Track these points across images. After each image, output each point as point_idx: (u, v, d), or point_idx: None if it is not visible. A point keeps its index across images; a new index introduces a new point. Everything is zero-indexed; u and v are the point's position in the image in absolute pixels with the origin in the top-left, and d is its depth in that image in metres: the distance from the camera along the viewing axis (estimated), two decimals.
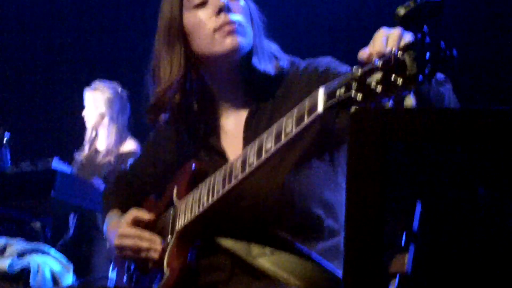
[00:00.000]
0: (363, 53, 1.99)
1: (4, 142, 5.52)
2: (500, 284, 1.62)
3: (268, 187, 2.50)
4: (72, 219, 5.72)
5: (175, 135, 2.88)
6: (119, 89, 6.42)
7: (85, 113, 6.40)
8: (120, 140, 6.36)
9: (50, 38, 7.95)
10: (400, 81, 1.84)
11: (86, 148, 6.45)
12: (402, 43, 1.93)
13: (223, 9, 2.59)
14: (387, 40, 1.97)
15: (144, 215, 2.78)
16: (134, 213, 2.80)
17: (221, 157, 2.67)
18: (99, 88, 6.39)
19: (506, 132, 1.40)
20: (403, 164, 1.53)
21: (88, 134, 6.45)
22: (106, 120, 6.33)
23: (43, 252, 4.62)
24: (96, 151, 6.39)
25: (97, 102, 6.34)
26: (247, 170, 2.35)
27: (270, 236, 2.49)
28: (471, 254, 1.64)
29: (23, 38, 7.96)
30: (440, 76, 2.10)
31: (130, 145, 6.34)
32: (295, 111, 2.22)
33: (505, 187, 1.56)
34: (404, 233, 2.26)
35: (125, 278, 2.87)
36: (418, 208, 2.19)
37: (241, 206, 2.55)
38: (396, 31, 1.99)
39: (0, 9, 7.93)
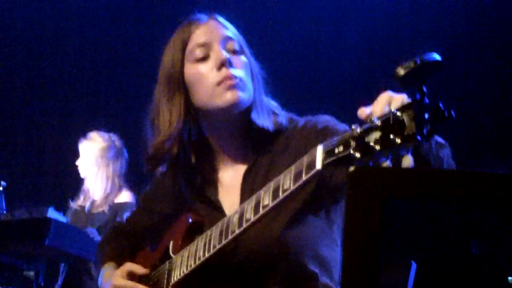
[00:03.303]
0: (363, 112, 2.00)
1: (0, 190, 5.53)
2: None
3: (264, 240, 2.50)
4: (62, 268, 5.70)
5: (172, 186, 2.87)
6: (114, 138, 6.43)
7: (79, 162, 6.42)
8: (113, 189, 6.35)
9: (48, 88, 7.96)
10: (398, 140, 1.84)
11: (81, 197, 6.45)
12: (401, 103, 1.94)
13: (225, 64, 2.61)
14: (388, 102, 1.98)
15: (139, 269, 2.77)
16: (129, 266, 2.79)
17: (218, 210, 2.68)
18: (93, 138, 6.41)
19: (500, 194, 1.41)
20: (399, 223, 1.54)
21: (85, 183, 6.46)
22: (97, 169, 6.33)
23: None
24: (90, 200, 6.39)
25: (90, 152, 6.35)
26: (244, 225, 2.34)
27: None
28: None
29: (21, 88, 7.97)
30: (440, 140, 2.12)
31: (125, 197, 6.34)
32: (293, 168, 2.22)
33: (498, 248, 1.57)
34: None
35: None
36: (413, 268, 2.20)
37: (237, 259, 2.54)
38: (399, 96, 2.00)
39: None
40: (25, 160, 7.71)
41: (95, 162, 6.33)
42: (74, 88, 7.95)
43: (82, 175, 6.42)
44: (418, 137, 1.81)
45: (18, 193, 6.37)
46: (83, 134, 6.47)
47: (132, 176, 6.39)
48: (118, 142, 6.43)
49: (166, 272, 2.69)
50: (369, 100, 2.05)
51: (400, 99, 1.98)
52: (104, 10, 7.85)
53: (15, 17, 7.87)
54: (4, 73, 7.95)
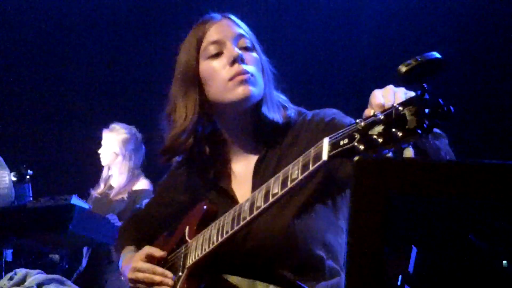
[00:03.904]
0: (369, 112, 2.00)
1: (27, 178, 5.54)
2: None
3: (273, 229, 2.50)
4: (85, 252, 5.72)
5: (187, 177, 2.89)
6: (134, 131, 6.45)
7: (100, 151, 6.43)
8: (132, 178, 6.38)
9: (72, 83, 7.99)
10: (400, 134, 1.85)
11: (102, 185, 6.47)
12: (403, 99, 1.94)
13: (237, 60, 2.61)
14: (393, 96, 1.99)
15: (157, 251, 2.78)
16: (148, 249, 2.80)
17: (231, 199, 2.68)
18: (115, 129, 6.43)
19: (498, 184, 1.41)
20: (401, 212, 1.54)
21: (104, 172, 6.48)
22: (119, 158, 6.36)
23: (60, 283, 4.60)
24: (110, 188, 6.41)
25: (112, 142, 6.37)
26: (255, 212, 2.35)
27: (274, 275, 2.49)
28: None
29: (47, 85, 7.99)
30: (437, 130, 2.12)
31: (142, 184, 6.35)
32: (301, 159, 2.23)
33: (494, 235, 1.58)
34: (400, 275, 2.27)
35: None
36: (414, 253, 2.20)
37: (248, 246, 2.55)
38: (399, 90, 2.01)
39: (27, 57, 7.97)
40: (50, 151, 7.73)
41: (117, 152, 6.35)
42: (96, 84, 7.97)
43: (103, 163, 6.43)
44: (419, 131, 1.82)
45: (43, 182, 6.39)
46: (104, 127, 6.49)
47: (149, 166, 6.41)
48: (138, 134, 6.46)
49: (182, 255, 2.70)
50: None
51: (399, 91, 2.00)
52: (124, 11, 7.85)
53: (43, 15, 7.88)
54: (32, 70, 7.97)
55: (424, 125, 1.81)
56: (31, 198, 5.47)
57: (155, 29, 7.57)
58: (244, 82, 2.60)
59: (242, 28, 2.74)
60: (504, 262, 1.58)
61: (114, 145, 6.36)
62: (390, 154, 1.93)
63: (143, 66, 7.51)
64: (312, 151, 2.17)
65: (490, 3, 6.31)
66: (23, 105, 8.03)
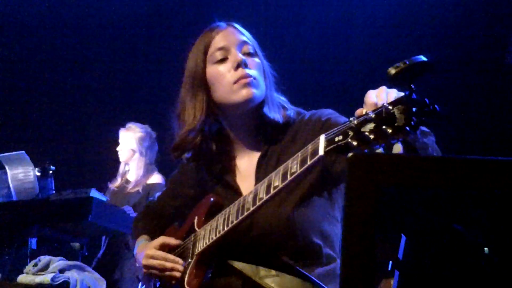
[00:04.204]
0: (360, 112, 2.01)
1: (50, 173, 5.54)
2: None
3: (275, 219, 2.50)
4: (104, 240, 5.72)
5: (195, 171, 2.89)
6: (149, 129, 6.46)
7: (119, 148, 6.44)
8: (147, 172, 6.39)
9: (91, 86, 8.00)
10: (390, 131, 1.85)
11: (119, 179, 6.48)
12: (393, 98, 1.95)
13: (241, 65, 2.62)
14: (386, 96, 1.99)
15: (169, 240, 2.78)
16: (161, 238, 2.81)
17: (235, 192, 2.69)
18: (131, 128, 6.44)
19: (481, 177, 1.41)
20: (391, 203, 1.53)
21: (121, 167, 6.48)
22: (136, 155, 6.37)
23: (81, 269, 4.61)
24: (127, 182, 6.42)
25: (129, 140, 6.39)
26: (258, 204, 2.36)
27: (275, 261, 2.49)
28: (448, 279, 1.65)
29: (67, 88, 8.01)
30: (425, 129, 2.12)
31: (156, 178, 6.36)
32: (299, 154, 2.24)
33: (476, 224, 1.57)
34: (391, 261, 2.27)
35: None
36: (403, 241, 2.20)
37: (251, 235, 2.55)
38: (392, 91, 2.01)
39: (52, 63, 7.98)
40: (71, 149, 7.74)
41: (135, 149, 6.36)
42: (113, 88, 7.98)
43: (121, 160, 6.44)
44: (407, 128, 1.82)
45: (65, 176, 6.39)
46: (120, 126, 6.50)
47: (161, 162, 6.42)
48: (152, 133, 6.46)
49: (192, 243, 2.70)
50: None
51: (391, 92, 2.00)
52: (140, 23, 7.87)
53: (66, 17, 7.90)
54: (56, 77, 7.99)
55: (412, 122, 1.82)
56: (54, 191, 5.47)
57: (167, 38, 7.58)
58: (247, 85, 2.60)
59: (246, 35, 2.74)
60: (486, 249, 1.57)
61: (131, 143, 6.38)
62: (381, 150, 1.93)
63: (156, 71, 7.52)
64: (310, 147, 2.18)
65: (474, 9, 6.30)
66: (46, 108, 8.04)
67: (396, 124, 1.85)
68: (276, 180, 2.31)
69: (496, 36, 6.17)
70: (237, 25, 2.77)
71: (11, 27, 7.95)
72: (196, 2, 7.44)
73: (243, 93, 2.61)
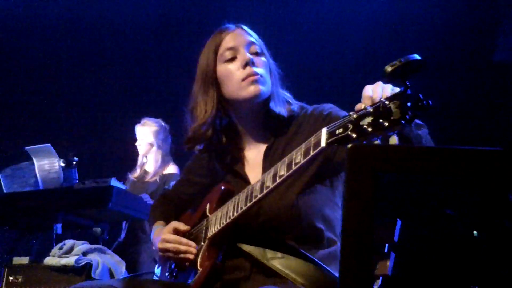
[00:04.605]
0: (359, 106, 2.01)
1: (73, 164, 5.56)
2: (462, 282, 1.63)
3: (280, 205, 2.51)
4: (124, 226, 5.73)
5: (207, 162, 2.89)
6: (162, 123, 6.46)
7: (137, 143, 6.45)
8: (164, 163, 6.39)
9: (111, 85, 8.02)
10: (386, 124, 1.86)
11: (138, 170, 6.48)
12: (389, 94, 1.95)
13: (249, 63, 2.62)
14: (381, 91, 2.00)
15: (182, 225, 2.79)
16: (174, 224, 2.81)
17: (244, 180, 2.69)
18: (147, 123, 6.43)
19: (470, 166, 1.41)
20: (387, 190, 1.54)
21: (140, 159, 6.49)
22: (154, 148, 6.37)
23: (102, 252, 4.63)
24: (145, 172, 6.42)
25: (146, 134, 6.39)
26: (265, 191, 2.37)
27: (281, 244, 2.49)
28: (440, 260, 1.65)
29: (91, 87, 8.03)
30: (419, 122, 2.13)
31: (171, 169, 6.37)
32: (303, 146, 2.24)
33: (466, 209, 1.57)
34: (387, 244, 2.27)
35: (167, 273, 2.87)
36: (398, 225, 2.20)
37: (259, 220, 2.55)
38: (387, 86, 2.02)
39: (76, 61, 8.01)
40: (93, 142, 7.76)
41: (152, 142, 6.37)
42: (131, 86, 7.99)
43: (140, 153, 6.45)
44: (402, 122, 1.83)
45: (87, 167, 6.40)
46: (138, 120, 6.50)
47: (175, 154, 6.43)
48: (165, 125, 6.46)
49: (204, 228, 2.70)
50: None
51: (387, 87, 2.00)
52: (152, 25, 7.88)
53: (89, 20, 7.92)
54: (80, 76, 8.02)
55: (407, 116, 1.82)
56: (77, 181, 5.48)
57: (180, 40, 7.59)
58: (254, 82, 2.61)
59: (253, 36, 2.74)
60: (475, 232, 1.57)
61: (148, 137, 6.38)
62: (378, 141, 1.93)
63: (170, 70, 7.52)
64: (313, 139, 2.19)
65: (464, 9, 6.28)
66: (71, 106, 8.06)
67: (392, 117, 1.85)
68: (282, 170, 2.32)
69: (484, 34, 6.16)
70: (245, 27, 2.77)
71: (39, 29, 7.98)
72: (207, 5, 7.43)
73: (251, 90, 2.61)
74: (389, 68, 1.82)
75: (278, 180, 2.33)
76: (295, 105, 2.74)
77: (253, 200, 2.42)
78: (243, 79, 2.62)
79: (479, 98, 5.89)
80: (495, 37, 5.97)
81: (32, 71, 8.06)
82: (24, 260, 4.76)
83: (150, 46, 7.91)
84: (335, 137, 2.05)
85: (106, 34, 7.97)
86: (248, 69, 2.62)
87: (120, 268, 4.61)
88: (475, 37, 6.23)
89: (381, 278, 2.19)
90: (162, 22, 7.87)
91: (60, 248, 4.55)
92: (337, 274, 2.08)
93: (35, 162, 5.55)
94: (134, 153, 6.51)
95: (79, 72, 8.05)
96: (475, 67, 6.08)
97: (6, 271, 4.70)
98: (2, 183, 5.69)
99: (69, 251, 4.52)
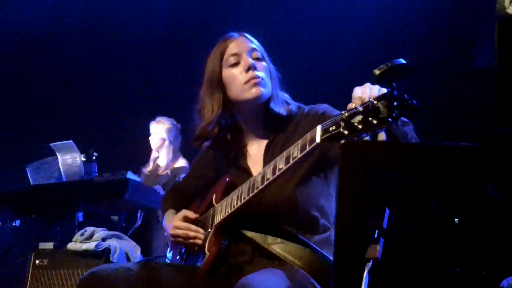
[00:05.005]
0: (351, 106, 2.02)
1: (93, 159, 5.56)
2: (445, 265, 1.62)
3: (279, 196, 2.51)
4: (139, 214, 5.73)
5: (213, 157, 2.89)
6: (175, 122, 6.46)
7: (151, 138, 6.44)
8: (174, 158, 6.38)
9: (128, 86, 8.03)
10: (375, 122, 1.86)
11: (151, 163, 6.48)
12: (376, 94, 1.96)
13: (251, 68, 2.62)
14: (369, 91, 2.01)
15: (191, 214, 2.79)
16: (184, 212, 2.81)
17: (247, 173, 2.68)
18: (161, 121, 6.43)
19: (453, 160, 1.40)
20: (377, 182, 1.53)
21: (153, 154, 6.48)
22: (166, 143, 6.36)
23: (119, 238, 4.63)
24: (158, 166, 6.42)
25: (160, 130, 6.38)
26: (265, 183, 2.37)
27: (280, 230, 2.49)
28: (424, 245, 1.64)
29: (109, 87, 8.04)
30: (405, 119, 2.13)
31: (181, 162, 6.36)
32: (300, 142, 2.24)
33: (449, 200, 1.57)
34: (377, 230, 2.26)
35: (178, 257, 2.87)
36: (387, 213, 2.19)
37: (260, 208, 2.55)
38: (374, 87, 2.02)
39: (95, 64, 8.02)
40: (111, 138, 7.76)
41: (165, 138, 6.36)
42: (146, 88, 7.99)
43: (153, 148, 6.44)
44: (389, 120, 1.83)
45: (106, 161, 6.39)
46: (151, 118, 6.50)
47: (185, 150, 6.43)
48: (177, 125, 6.46)
49: (211, 216, 2.70)
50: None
51: (375, 88, 2.01)
52: (165, 35, 7.89)
53: (100, 16, 7.93)
54: (99, 80, 8.03)
55: (394, 114, 1.83)
56: (97, 174, 5.48)
57: (189, 48, 7.59)
58: (256, 84, 2.61)
59: (255, 43, 2.74)
60: (456, 219, 1.57)
61: (161, 133, 6.37)
62: (367, 138, 1.93)
63: (181, 74, 7.51)
64: (308, 135, 2.19)
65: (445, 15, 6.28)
66: (92, 105, 8.07)
67: (380, 116, 1.86)
68: (281, 163, 2.32)
69: (464, 41, 6.15)
70: (247, 35, 2.77)
71: (62, 32, 8.00)
72: (213, 15, 7.43)
73: (253, 92, 2.61)
74: (377, 71, 1.82)
75: (277, 173, 2.33)
76: (293, 105, 2.74)
77: (255, 191, 2.42)
78: (246, 82, 2.62)
79: (461, 100, 5.88)
80: (474, 44, 5.96)
81: (59, 77, 8.07)
82: (49, 245, 4.77)
83: (163, 51, 7.92)
84: (328, 134, 2.06)
85: (126, 41, 7.97)
86: (250, 73, 2.62)
87: (136, 252, 4.61)
88: (455, 44, 6.23)
89: (371, 261, 2.18)
90: (172, 32, 7.87)
91: (82, 235, 4.55)
92: (331, 258, 2.07)
93: (58, 157, 5.55)
94: (148, 149, 6.51)
95: (99, 77, 8.06)
96: (457, 71, 6.06)
97: (33, 255, 4.71)
98: (29, 176, 5.70)
99: (90, 237, 4.52)
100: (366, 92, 2.01)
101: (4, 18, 7.81)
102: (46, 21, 7.93)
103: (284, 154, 2.32)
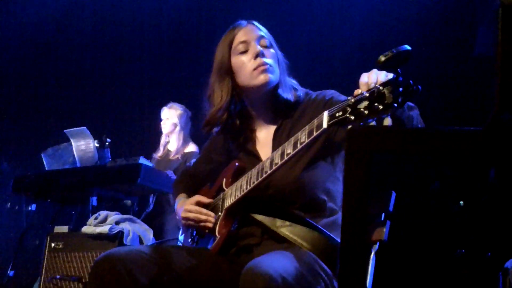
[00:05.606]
0: (357, 91, 2.01)
1: (106, 145, 5.57)
2: (449, 246, 1.62)
3: (287, 179, 2.50)
4: (152, 199, 5.74)
5: (223, 142, 2.89)
6: (186, 108, 6.45)
7: (162, 122, 6.44)
8: (185, 143, 6.38)
9: (141, 75, 8.04)
10: (380, 107, 1.86)
11: (161, 149, 6.48)
12: (383, 79, 1.95)
13: (259, 55, 2.61)
14: (376, 77, 2.00)
15: (203, 198, 2.79)
16: (196, 197, 2.82)
17: (256, 158, 2.68)
18: (173, 107, 6.42)
19: (457, 145, 1.39)
20: (383, 166, 1.53)
21: (163, 138, 6.49)
22: (177, 128, 6.36)
23: (132, 221, 4.64)
24: (168, 151, 6.42)
25: (172, 116, 6.38)
26: (274, 167, 2.38)
27: (288, 213, 2.49)
28: (429, 227, 1.65)
29: (123, 77, 8.05)
30: (411, 104, 2.12)
31: (192, 147, 6.36)
32: (307, 127, 2.24)
33: (453, 183, 1.56)
34: (383, 213, 2.26)
35: (189, 240, 2.88)
36: (393, 196, 2.19)
37: (269, 192, 2.55)
38: (381, 73, 2.01)
39: (107, 56, 8.03)
40: (124, 124, 7.77)
41: (176, 123, 6.36)
42: (156, 74, 7.98)
43: (164, 132, 6.43)
44: (395, 105, 1.83)
45: (119, 147, 6.41)
46: (161, 105, 6.50)
47: (195, 135, 6.43)
48: (188, 111, 6.45)
49: (221, 200, 2.71)
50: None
51: (381, 74, 2.00)
52: (173, 24, 7.88)
53: (110, 14, 7.94)
54: (112, 68, 8.04)
55: (399, 100, 1.83)
56: (110, 159, 5.49)
57: (200, 35, 7.59)
58: (264, 71, 2.60)
59: (263, 31, 2.73)
60: (461, 202, 1.57)
61: (173, 118, 6.37)
62: (373, 123, 1.93)
63: (191, 62, 7.50)
64: (316, 121, 2.19)
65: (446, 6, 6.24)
66: (105, 93, 8.08)
67: (385, 101, 1.86)
68: (289, 148, 2.33)
69: (465, 30, 6.11)
70: (256, 23, 2.76)
71: (75, 24, 8.02)
72: (222, 7, 7.42)
73: (261, 78, 2.60)
74: (382, 58, 1.81)
75: (285, 158, 2.33)
76: (301, 91, 2.73)
77: (264, 175, 2.43)
78: (254, 69, 2.61)
79: (463, 86, 5.85)
80: (475, 34, 5.93)
81: (73, 67, 8.10)
82: (64, 229, 4.80)
83: (174, 39, 7.91)
84: (335, 119, 2.06)
85: (139, 29, 7.98)
86: (259, 60, 2.61)
87: (148, 235, 4.63)
88: (457, 34, 6.19)
89: (378, 243, 2.19)
90: (183, 20, 7.86)
91: (96, 218, 4.57)
92: (338, 240, 2.07)
93: (72, 143, 5.56)
94: (160, 135, 6.51)
95: (112, 66, 8.07)
96: (458, 59, 6.03)
97: (49, 238, 4.74)
98: (44, 162, 5.72)
99: (104, 221, 4.54)
100: (373, 78, 2.00)
101: (27, 14, 7.86)
102: (64, 14, 7.96)
103: (292, 139, 2.32)
